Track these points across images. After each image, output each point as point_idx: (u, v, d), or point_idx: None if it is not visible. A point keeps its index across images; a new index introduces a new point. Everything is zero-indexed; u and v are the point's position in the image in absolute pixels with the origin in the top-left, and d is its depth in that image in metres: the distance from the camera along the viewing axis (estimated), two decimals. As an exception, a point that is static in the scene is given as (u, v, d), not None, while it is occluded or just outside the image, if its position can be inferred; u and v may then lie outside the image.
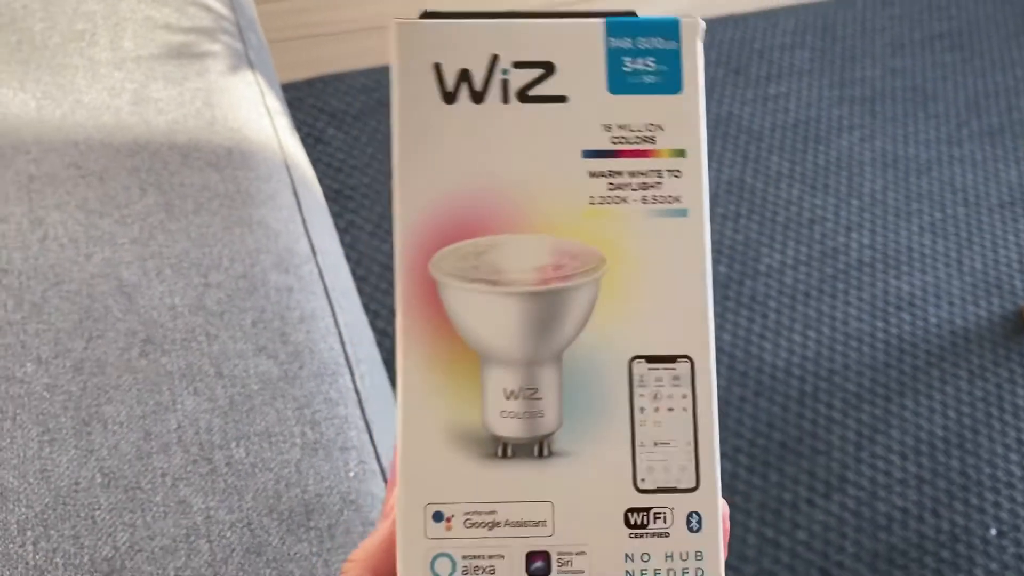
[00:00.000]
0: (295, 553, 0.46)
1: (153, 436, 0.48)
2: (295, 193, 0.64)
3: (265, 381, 0.51)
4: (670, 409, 0.25)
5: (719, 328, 1.17)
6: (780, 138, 1.39)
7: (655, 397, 0.25)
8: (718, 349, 1.15)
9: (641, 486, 0.24)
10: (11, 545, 0.44)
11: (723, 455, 1.05)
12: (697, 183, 0.25)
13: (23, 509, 0.45)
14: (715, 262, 1.24)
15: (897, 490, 1.05)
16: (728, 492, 1.02)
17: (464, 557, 0.24)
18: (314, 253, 0.60)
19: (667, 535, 0.24)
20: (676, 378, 0.25)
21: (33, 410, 0.48)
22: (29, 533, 0.44)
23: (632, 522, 0.24)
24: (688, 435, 0.25)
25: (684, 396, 0.25)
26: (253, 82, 0.69)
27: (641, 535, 0.24)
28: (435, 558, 0.24)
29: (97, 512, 0.45)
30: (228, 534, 0.46)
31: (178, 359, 0.51)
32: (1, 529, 0.44)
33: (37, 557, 0.43)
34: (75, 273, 0.54)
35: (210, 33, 0.71)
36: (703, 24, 0.26)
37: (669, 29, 0.25)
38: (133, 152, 0.61)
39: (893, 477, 1.06)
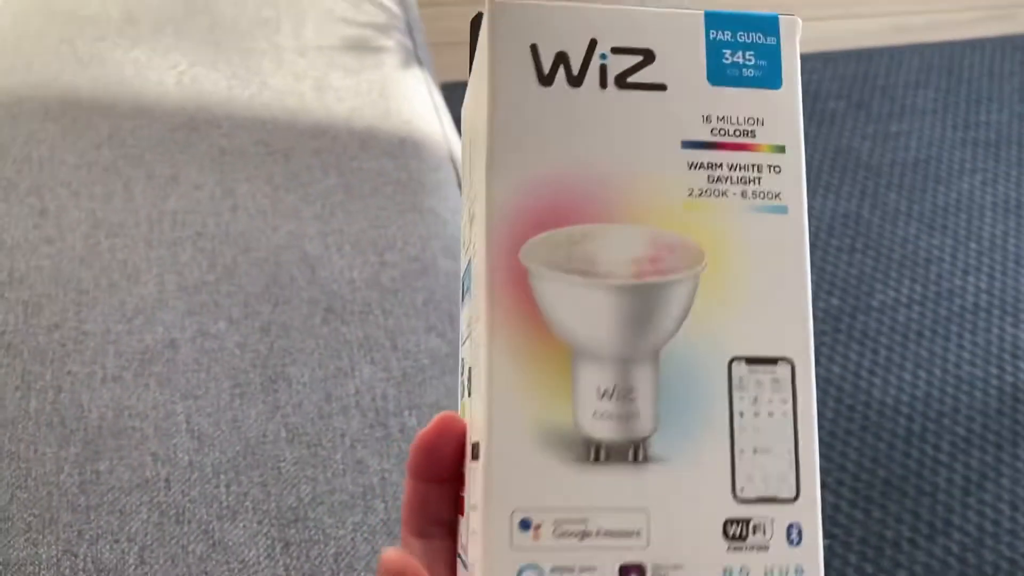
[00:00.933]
0: (461, 522, 0.48)
1: (334, 398, 0.51)
2: (459, 186, 0.66)
3: (435, 357, 0.54)
4: (770, 414, 0.23)
5: (829, 360, 1.16)
6: (899, 176, 1.38)
7: (755, 401, 0.23)
8: (827, 380, 1.15)
9: (740, 495, 0.23)
10: (207, 486, 0.47)
11: (825, 487, 1.05)
12: (797, 180, 0.24)
13: (217, 454, 0.48)
14: (828, 294, 1.23)
15: (1005, 540, 1.02)
16: (830, 524, 1.01)
17: (553, 569, 0.22)
18: (476, 243, 0.63)
19: (767, 548, 0.23)
20: (776, 381, 0.23)
21: (225, 364, 0.51)
22: (222, 476, 0.47)
23: (731, 534, 0.23)
24: (788, 442, 0.23)
25: (784, 401, 0.23)
26: (422, 78, 0.73)
27: (740, 548, 0.23)
28: (522, 570, 0.22)
29: (282, 464, 0.48)
30: (402, 497, 0.48)
31: (356, 329, 0.54)
32: (198, 470, 0.47)
33: (230, 499, 0.46)
34: (263, 242, 0.57)
35: (384, 29, 0.74)
36: (800, 21, 0.25)
37: (769, 25, 0.24)
38: (315, 135, 0.64)
39: (1002, 527, 1.04)
